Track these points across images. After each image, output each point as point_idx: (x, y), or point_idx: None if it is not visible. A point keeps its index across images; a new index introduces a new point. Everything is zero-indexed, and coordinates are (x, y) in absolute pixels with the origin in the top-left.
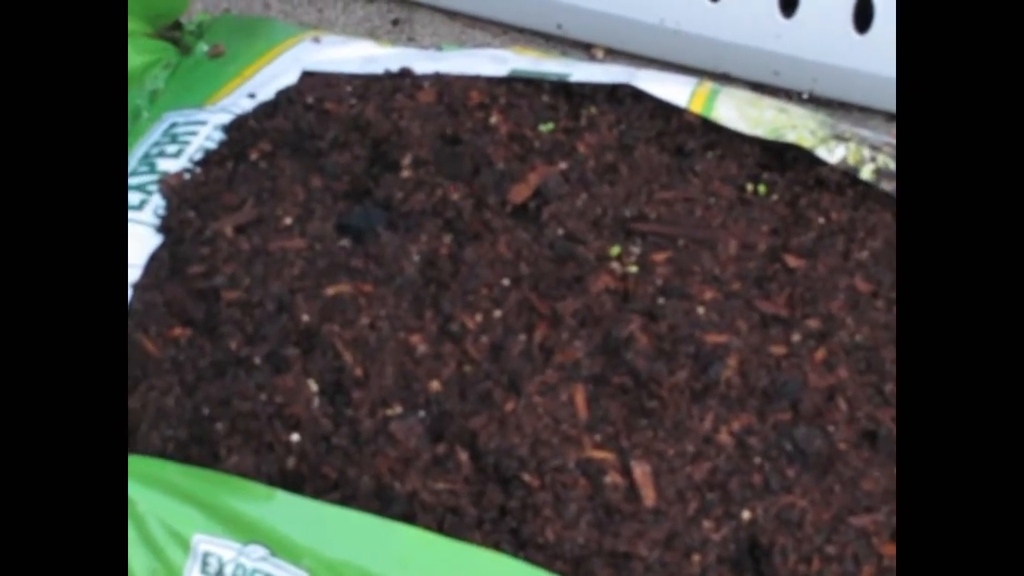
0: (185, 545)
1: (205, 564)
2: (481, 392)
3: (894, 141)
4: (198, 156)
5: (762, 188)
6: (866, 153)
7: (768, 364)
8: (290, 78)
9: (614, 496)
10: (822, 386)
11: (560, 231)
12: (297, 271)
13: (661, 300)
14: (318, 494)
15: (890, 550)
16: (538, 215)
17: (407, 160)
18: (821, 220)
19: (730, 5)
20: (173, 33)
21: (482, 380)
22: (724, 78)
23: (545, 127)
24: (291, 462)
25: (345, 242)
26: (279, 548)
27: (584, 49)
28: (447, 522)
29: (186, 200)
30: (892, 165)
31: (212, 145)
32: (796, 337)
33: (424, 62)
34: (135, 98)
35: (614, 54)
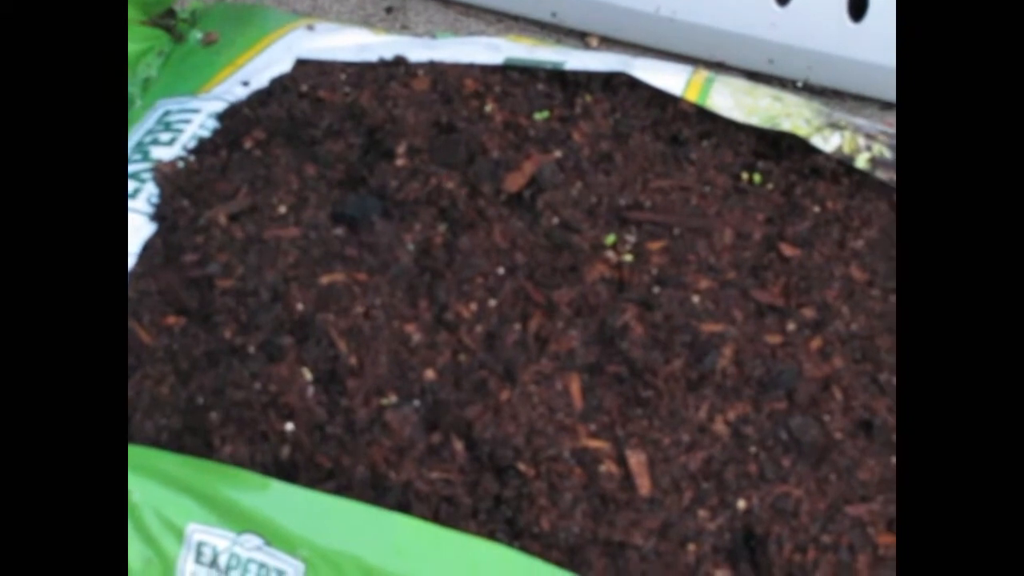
0: (179, 534)
1: (199, 554)
2: (476, 381)
3: (889, 130)
4: (192, 144)
5: (757, 177)
6: (861, 142)
7: (764, 353)
8: (284, 66)
9: (609, 485)
10: (818, 375)
11: (555, 220)
12: (291, 260)
13: (656, 289)
14: (313, 484)
15: (886, 539)
16: (533, 204)
17: (402, 148)
18: (816, 209)
19: None
20: (166, 21)
21: (477, 369)
22: (719, 66)
23: (540, 115)
24: (285, 451)
25: (339, 231)
26: (274, 538)
27: (579, 37)
28: (442, 511)
29: (180, 188)
30: (887, 154)
31: (206, 133)
32: (792, 326)
33: (418, 50)
34: (129, 86)
35: (609, 42)
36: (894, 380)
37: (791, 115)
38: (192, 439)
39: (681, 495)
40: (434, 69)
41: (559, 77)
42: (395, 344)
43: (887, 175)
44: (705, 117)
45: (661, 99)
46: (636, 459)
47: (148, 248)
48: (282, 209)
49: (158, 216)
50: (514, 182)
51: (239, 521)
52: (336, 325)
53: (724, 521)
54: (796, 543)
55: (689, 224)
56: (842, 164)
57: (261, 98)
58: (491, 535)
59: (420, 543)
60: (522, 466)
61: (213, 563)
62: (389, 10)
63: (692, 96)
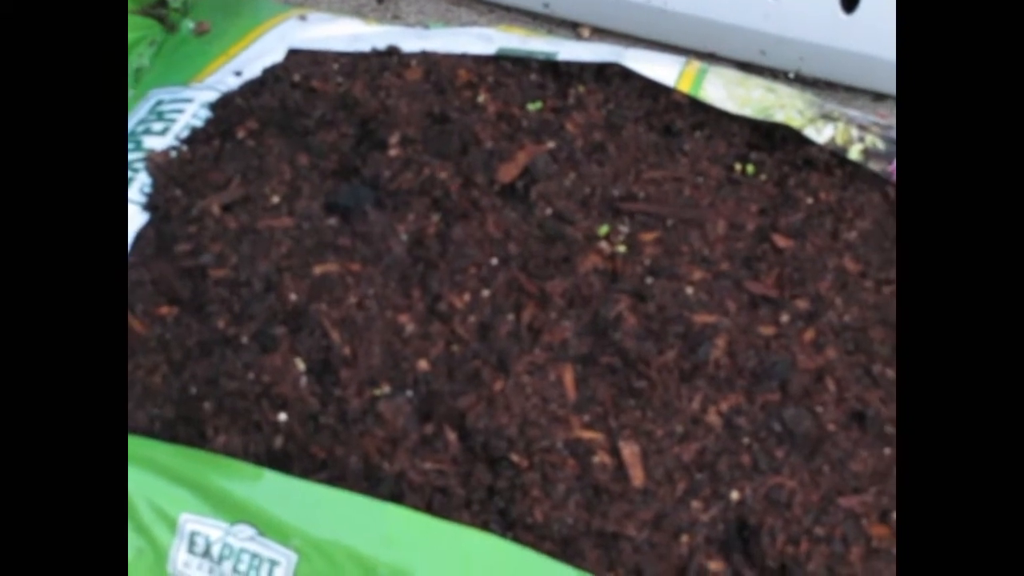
0: (172, 524)
1: (192, 543)
2: (469, 372)
3: (882, 121)
4: (184, 134)
5: (750, 168)
6: (854, 133)
7: (757, 344)
8: (276, 56)
9: (602, 476)
10: (811, 367)
11: (548, 210)
12: (284, 250)
13: (649, 280)
14: (306, 474)
15: (879, 531)
16: (526, 194)
17: (395, 138)
18: (810, 200)
19: None
20: (158, 10)
21: (470, 360)
22: (711, 57)
23: (533, 106)
24: (279, 441)
25: (333, 221)
26: (267, 528)
27: (570, 28)
28: (435, 502)
29: (173, 178)
30: (880, 145)
31: (198, 123)
32: (785, 317)
33: (411, 40)
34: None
35: (601, 33)
36: (887, 372)
37: (784, 106)
38: (185, 429)
39: (674, 486)
40: (427, 59)
41: (552, 68)
42: (388, 334)
43: (880, 166)
44: (698, 108)
45: (654, 90)
46: (629, 450)
47: (141, 238)
48: (275, 199)
49: (151, 206)
50: (507, 173)
51: (232, 511)
52: (329, 315)
53: (717, 512)
54: (789, 534)
55: (682, 215)
56: (835, 155)
57: (254, 88)
58: (484, 526)
59: (413, 533)
60: (515, 457)
61: (206, 553)
62: (381, 0)
63: (685, 87)
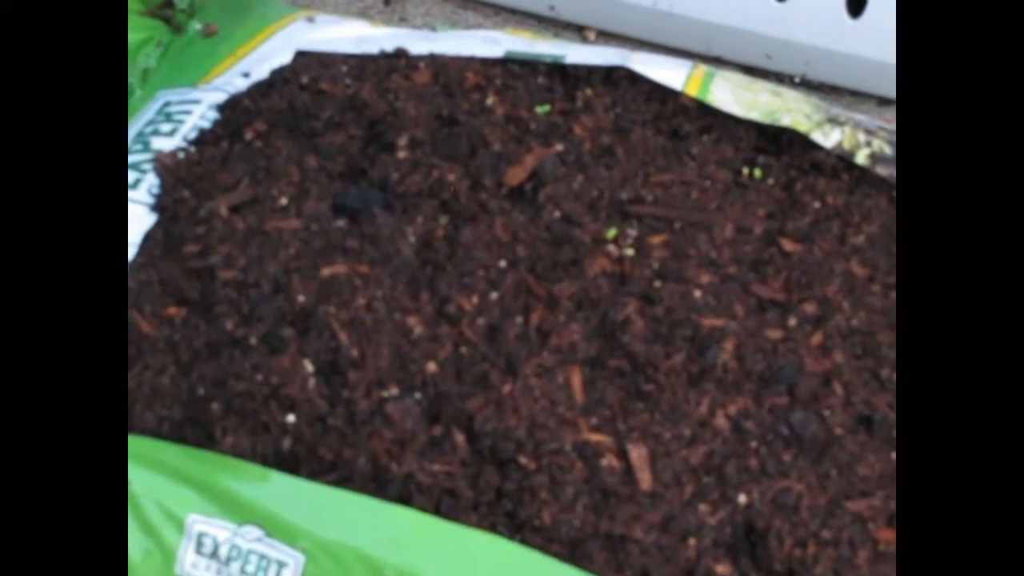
0: (180, 525)
1: (200, 544)
2: (478, 374)
3: (888, 126)
4: (192, 135)
5: (758, 172)
6: (861, 137)
7: (764, 348)
8: (284, 57)
9: (610, 479)
10: (818, 370)
11: (557, 213)
12: (293, 251)
13: (658, 283)
14: (314, 475)
15: (886, 535)
16: (535, 197)
17: (403, 141)
18: (817, 204)
19: None
20: (165, 11)
21: (479, 362)
22: (716, 61)
23: (541, 109)
24: (287, 443)
25: (341, 223)
26: (274, 529)
27: (576, 31)
28: (443, 504)
29: (181, 179)
30: (887, 150)
31: (206, 124)
32: (792, 321)
33: (419, 43)
34: (128, 76)
35: (606, 36)
36: (895, 375)
37: (791, 110)
38: (193, 430)
39: (682, 489)
40: (435, 62)
41: (559, 71)
42: (397, 336)
43: (887, 171)
44: (705, 112)
45: (662, 93)
46: (637, 453)
47: (149, 239)
48: (283, 201)
49: (159, 207)
50: (515, 175)
51: (240, 512)
52: (337, 317)
53: (725, 515)
54: (796, 538)
55: (690, 218)
56: (842, 160)
57: (262, 89)
58: (492, 528)
59: (421, 535)
60: (523, 459)
61: (214, 554)
62: (387, 2)
63: (692, 91)
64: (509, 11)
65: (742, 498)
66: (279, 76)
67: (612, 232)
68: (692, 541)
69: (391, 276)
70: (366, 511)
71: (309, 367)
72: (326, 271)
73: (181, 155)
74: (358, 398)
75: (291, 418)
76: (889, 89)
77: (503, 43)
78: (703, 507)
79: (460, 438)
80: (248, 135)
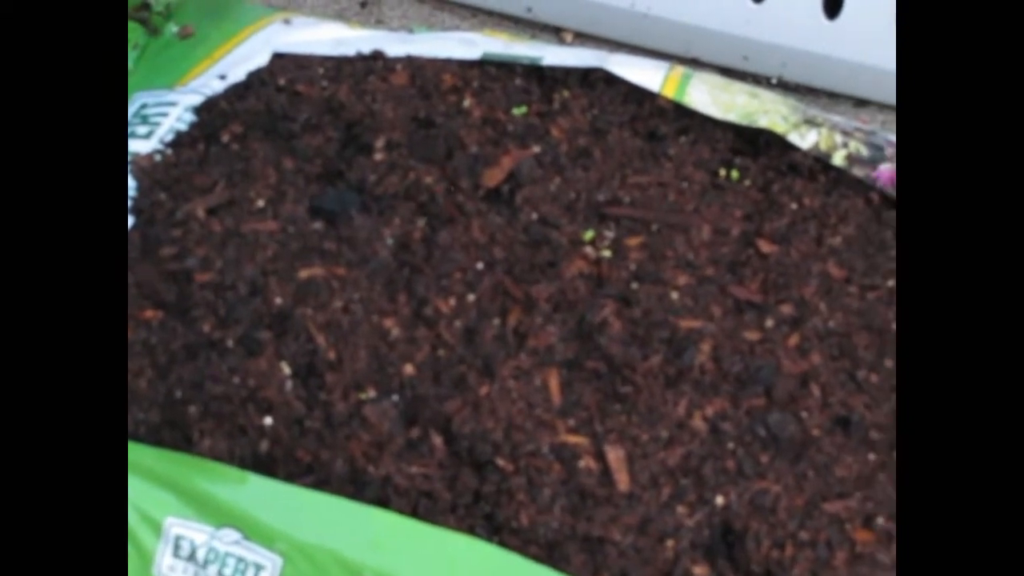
0: (157, 528)
1: (177, 547)
2: (455, 376)
3: (864, 127)
4: (169, 137)
5: (735, 173)
6: (838, 139)
7: (742, 349)
8: (261, 60)
9: (588, 481)
10: (795, 372)
11: (534, 215)
12: (270, 254)
13: (635, 285)
14: (291, 478)
15: (864, 536)
16: (512, 199)
17: (380, 143)
18: (794, 206)
19: None
20: (141, 14)
21: (456, 364)
22: (693, 63)
23: (518, 111)
24: (264, 446)
25: (318, 225)
26: (252, 532)
27: (553, 32)
28: (421, 506)
29: (157, 182)
30: (864, 151)
31: (183, 126)
32: (770, 323)
33: (396, 45)
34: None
35: (584, 38)
36: (872, 377)
37: (768, 112)
38: (170, 433)
39: (659, 491)
40: (412, 64)
41: (536, 73)
42: (374, 338)
43: (863, 172)
44: (682, 113)
45: (639, 95)
46: (615, 455)
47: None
48: (260, 203)
49: (135, 209)
50: (492, 177)
51: (217, 515)
52: (314, 319)
53: (702, 517)
54: (774, 539)
55: (667, 220)
56: (819, 161)
57: (238, 91)
58: (470, 530)
59: (398, 538)
60: (501, 461)
61: (191, 557)
62: (363, 4)
63: (669, 92)
64: (486, 13)
65: (719, 499)
66: (256, 78)
67: (589, 234)
68: (670, 543)
69: (368, 278)
70: (343, 513)
71: (286, 369)
72: (303, 273)
73: (158, 157)
74: (335, 400)
75: (268, 420)
76: (866, 90)
77: (480, 45)
78: (680, 508)
79: (438, 440)
80: (225, 137)
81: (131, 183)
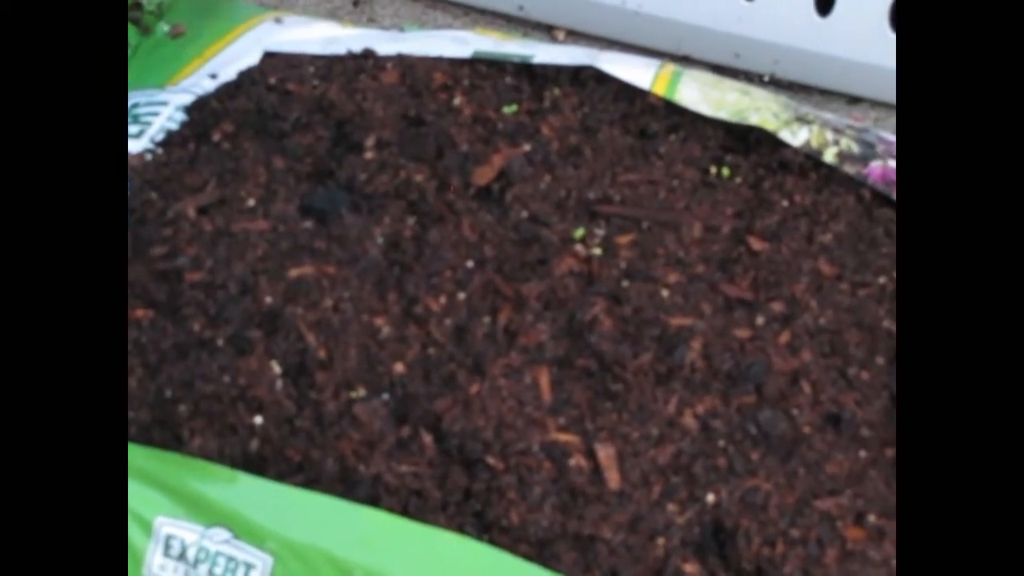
0: (147, 528)
1: (168, 547)
2: (445, 374)
3: (857, 124)
4: (160, 137)
5: (726, 171)
6: (829, 136)
7: (732, 347)
8: (252, 59)
9: (578, 479)
10: (786, 369)
11: (524, 213)
12: (260, 253)
13: (625, 283)
14: (281, 477)
15: (854, 533)
16: (502, 197)
17: (370, 141)
18: (785, 203)
19: None
20: (133, 13)
21: (446, 362)
22: (685, 60)
23: (509, 109)
24: (254, 444)
25: (308, 224)
26: (242, 531)
27: (545, 31)
28: (411, 505)
29: (148, 181)
30: (855, 148)
31: (174, 126)
32: (760, 320)
33: (387, 43)
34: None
35: (575, 36)
36: (863, 374)
37: (759, 109)
38: (161, 432)
39: (650, 489)
40: (403, 62)
41: (527, 71)
42: (364, 337)
43: (855, 169)
44: (673, 111)
45: (629, 93)
46: (605, 453)
47: None
48: (251, 202)
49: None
50: (483, 176)
51: (207, 514)
52: (305, 318)
53: (693, 515)
54: (765, 537)
55: (658, 218)
56: (810, 158)
57: (229, 91)
58: (460, 528)
59: (389, 536)
60: (491, 459)
61: (181, 556)
62: (356, 3)
63: (660, 90)
64: (478, 11)
65: (710, 497)
66: (246, 77)
67: (580, 232)
68: (660, 540)
69: (358, 277)
70: (334, 512)
71: (276, 368)
72: (293, 272)
73: (148, 157)
74: (326, 399)
75: (258, 420)
76: (858, 87)
77: (471, 43)
78: (671, 506)
79: (428, 439)
80: (215, 136)
81: None
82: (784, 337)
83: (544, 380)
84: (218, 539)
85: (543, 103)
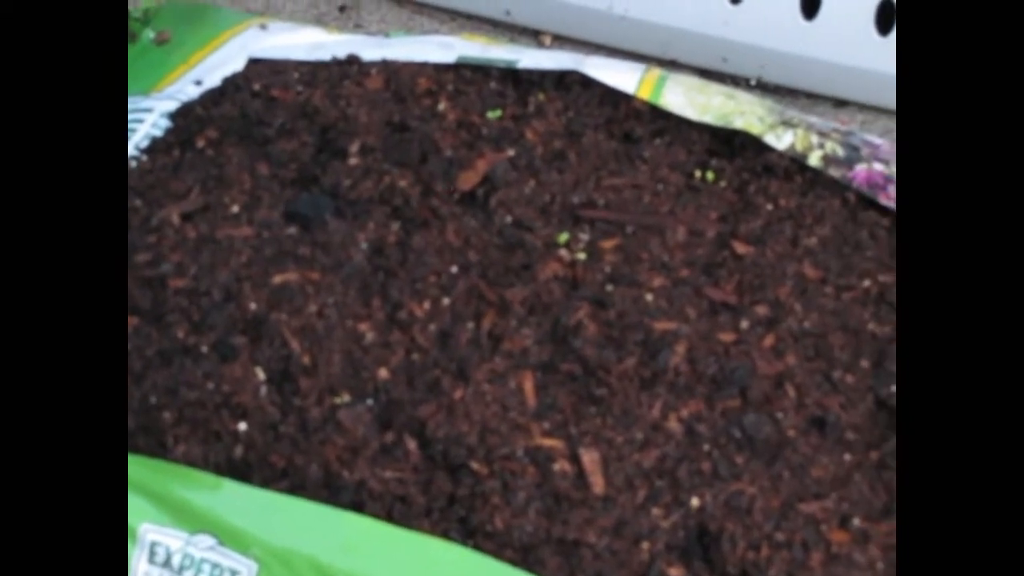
0: (132, 535)
1: (152, 554)
2: (429, 380)
3: (842, 127)
4: (144, 143)
5: (710, 175)
6: (814, 139)
7: (717, 351)
8: (237, 65)
9: (563, 484)
10: (771, 373)
11: (508, 218)
12: (244, 259)
13: (610, 287)
14: (266, 483)
15: (839, 536)
16: (486, 202)
17: (355, 147)
18: (769, 207)
19: None
20: None
21: (430, 368)
22: (672, 64)
23: (493, 114)
24: (239, 451)
25: (292, 230)
26: (227, 537)
27: (532, 35)
28: (395, 511)
29: (132, 187)
30: (840, 151)
31: (158, 132)
32: (745, 324)
33: (371, 49)
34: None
35: (562, 41)
36: (847, 377)
37: (744, 113)
38: (145, 439)
39: (635, 493)
40: (387, 68)
41: (512, 76)
42: (348, 343)
43: (840, 172)
44: (658, 115)
45: (614, 97)
46: (589, 457)
47: None
48: (235, 208)
49: None
50: (467, 181)
51: (192, 521)
52: (289, 324)
53: (678, 519)
54: (749, 541)
55: (642, 222)
56: (795, 162)
57: (214, 97)
58: (445, 534)
59: (373, 542)
60: (475, 465)
61: (166, 563)
62: (342, 9)
63: (645, 94)
64: (465, 16)
65: (695, 501)
66: (231, 83)
67: (564, 236)
68: (645, 545)
69: (343, 283)
70: (318, 518)
71: (261, 375)
72: (277, 279)
73: (133, 163)
74: (310, 405)
75: (243, 426)
76: (844, 91)
77: (457, 48)
78: (656, 511)
79: (412, 444)
80: (200, 143)
81: None
82: (769, 341)
83: (528, 385)
84: (203, 546)
85: (528, 108)
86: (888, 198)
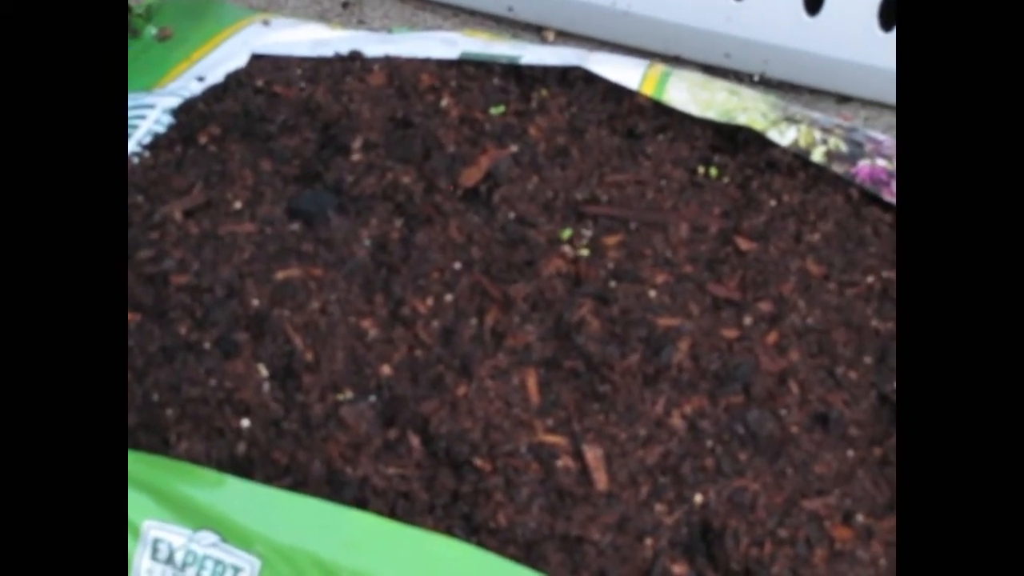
0: (135, 531)
1: (155, 550)
2: (432, 376)
3: (845, 123)
4: (147, 140)
5: (713, 171)
6: (817, 135)
7: (720, 347)
8: (239, 61)
9: (566, 480)
10: (774, 369)
11: (511, 214)
12: (247, 255)
13: (613, 283)
14: (269, 480)
15: (842, 533)
16: (489, 198)
17: (357, 143)
18: (772, 203)
19: None
20: None
21: (433, 364)
22: (675, 60)
23: (496, 110)
24: (241, 448)
25: (295, 226)
26: (230, 534)
27: (535, 31)
28: (399, 507)
29: (135, 184)
30: (843, 147)
31: (161, 129)
32: (748, 320)
33: (374, 45)
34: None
35: (565, 36)
36: (850, 374)
37: (747, 109)
38: (148, 436)
39: (638, 489)
40: (390, 64)
41: (515, 72)
42: (351, 339)
43: (843, 168)
44: (661, 111)
45: (617, 93)
46: (593, 454)
47: None
48: (237, 205)
49: None
50: (470, 177)
51: (195, 518)
52: (292, 321)
53: (681, 515)
54: (753, 537)
55: (645, 218)
56: (798, 158)
57: (216, 93)
58: (448, 530)
59: (376, 538)
60: (479, 461)
61: (169, 560)
62: (345, 5)
63: (648, 90)
64: (468, 12)
65: (698, 498)
66: (233, 80)
67: (567, 233)
68: (648, 541)
69: (345, 279)
70: (321, 515)
71: (263, 371)
72: (280, 275)
73: (135, 160)
74: (312, 402)
75: (245, 423)
76: (847, 86)
77: (460, 44)
78: (659, 507)
79: (415, 441)
80: (202, 139)
81: None
82: (772, 337)
83: (531, 382)
84: (206, 542)
85: (530, 104)
86: (891, 194)
